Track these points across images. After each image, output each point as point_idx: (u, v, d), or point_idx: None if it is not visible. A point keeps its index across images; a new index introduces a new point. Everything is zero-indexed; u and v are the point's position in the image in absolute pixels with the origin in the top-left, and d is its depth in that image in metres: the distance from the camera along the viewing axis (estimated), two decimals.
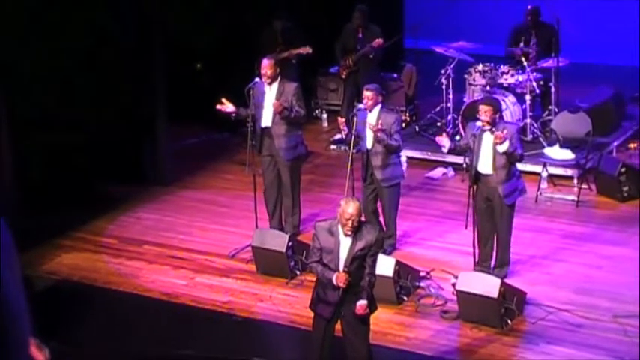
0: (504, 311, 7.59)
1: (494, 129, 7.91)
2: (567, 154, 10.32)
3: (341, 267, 6.33)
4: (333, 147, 11.75)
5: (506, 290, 7.64)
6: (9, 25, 9.21)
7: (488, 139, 7.96)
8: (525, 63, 11.12)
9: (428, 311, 7.94)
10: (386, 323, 7.69)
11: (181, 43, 11.87)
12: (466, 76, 11.35)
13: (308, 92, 11.96)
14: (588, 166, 10.26)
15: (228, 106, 8.98)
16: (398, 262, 8.05)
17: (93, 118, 10.18)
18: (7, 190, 9.23)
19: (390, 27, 12.56)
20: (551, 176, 10.30)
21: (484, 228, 8.25)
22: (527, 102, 10.99)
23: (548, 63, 11.12)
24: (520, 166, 8.68)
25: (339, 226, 6.32)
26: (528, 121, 11.03)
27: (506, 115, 10.54)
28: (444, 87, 11.43)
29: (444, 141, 8.34)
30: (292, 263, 8.52)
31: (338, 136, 11.50)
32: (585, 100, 11.40)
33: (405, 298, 8.08)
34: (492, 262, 8.35)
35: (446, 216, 9.65)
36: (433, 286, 8.29)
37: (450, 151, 8.62)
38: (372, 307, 6.44)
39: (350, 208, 6.23)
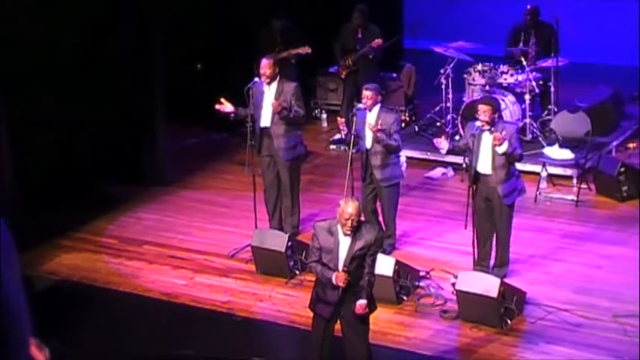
0: (504, 311, 7.60)
1: (493, 128, 7.92)
2: (567, 154, 10.32)
3: (340, 267, 6.34)
4: (332, 147, 11.76)
5: (506, 290, 7.64)
6: (9, 25, 9.21)
7: (487, 138, 7.97)
8: (525, 63, 11.13)
9: (427, 311, 7.94)
10: (385, 323, 7.70)
11: (181, 43, 11.87)
12: (465, 75, 11.35)
13: (307, 92, 11.96)
14: (588, 166, 10.26)
15: (226, 106, 8.98)
16: (397, 262, 8.06)
17: (93, 118, 10.19)
18: (7, 190, 9.24)
19: (390, 27, 12.56)
20: (550, 176, 10.30)
21: (483, 228, 8.25)
22: (527, 102, 10.99)
23: (548, 63, 11.13)
24: (519, 166, 8.69)
25: (339, 226, 6.32)
26: (528, 120, 11.03)
27: (506, 115, 10.55)
28: (443, 87, 11.43)
29: (442, 143, 8.34)
30: (292, 263, 8.52)
31: (337, 136, 11.51)
32: (585, 100, 11.40)
33: (405, 297, 8.09)
34: (491, 262, 8.36)
35: (445, 216, 9.66)
36: (433, 285, 8.29)
37: (449, 152, 8.62)
38: (371, 306, 6.45)
39: (349, 207, 6.24)
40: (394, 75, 12.42)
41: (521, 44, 11.33)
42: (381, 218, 8.86)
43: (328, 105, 12.76)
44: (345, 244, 6.33)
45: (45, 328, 5.05)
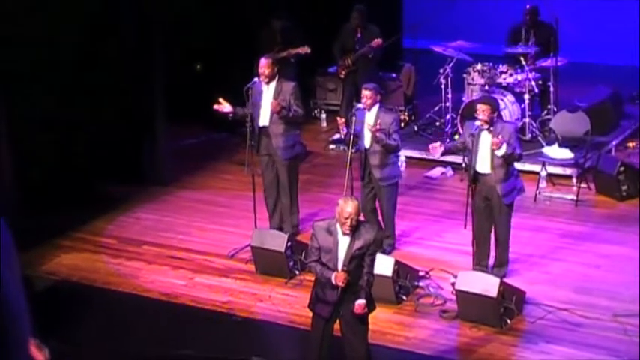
0: (503, 310, 7.60)
1: (492, 128, 7.93)
2: (566, 154, 10.32)
3: (340, 266, 6.34)
4: (331, 147, 11.77)
5: (506, 289, 7.64)
6: (9, 25, 9.21)
7: (486, 138, 7.97)
8: (524, 62, 11.13)
9: (427, 311, 7.94)
10: (385, 323, 7.70)
11: (181, 43, 11.87)
12: (465, 75, 11.36)
13: (307, 92, 11.98)
14: (587, 166, 10.26)
15: (225, 106, 8.99)
16: (397, 262, 8.06)
17: (93, 118, 10.19)
18: (7, 190, 9.24)
19: (389, 26, 12.56)
20: (550, 175, 10.31)
21: (482, 227, 8.25)
22: (526, 101, 11.00)
23: (547, 62, 11.13)
24: (519, 166, 8.70)
25: (338, 226, 6.33)
26: (527, 120, 11.04)
27: (505, 115, 10.55)
28: (442, 86, 11.43)
29: (437, 149, 8.34)
30: (291, 263, 8.52)
31: (337, 136, 11.51)
32: (584, 100, 11.40)
33: (404, 297, 8.09)
34: (491, 262, 8.36)
35: (445, 215, 9.66)
36: (432, 285, 8.30)
37: (446, 153, 8.63)
38: (370, 306, 6.45)
39: (348, 207, 6.24)
40: (393, 75, 12.43)
41: (520, 44, 11.33)
42: (380, 218, 8.86)
43: (327, 105, 12.77)
44: (344, 243, 6.33)
45: (44, 328, 5.07)
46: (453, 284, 7.89)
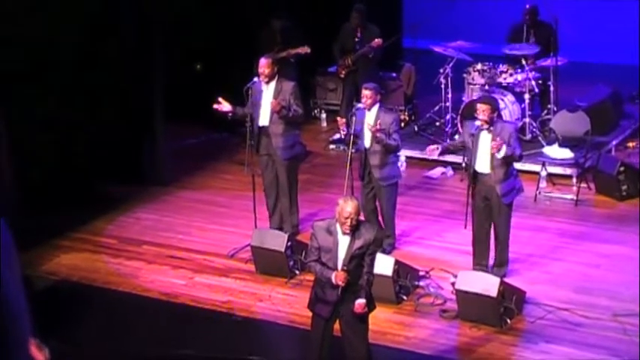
0: (503, 310, 7.60)
1: (492, 128, 7.93)
2: (566, 153, 10.33)
3: (339, 266, 6.34)
4: (331, 146, 11.77)
5: (506, 289, 7.64)
6: (9, 25, 9.21)
7: (485, 138, 7.97)
8: (524, 62, 11.13)
9: (427, 310, 7.94)
10: (385, 322, 7.70)
11: (181, 43, 11.87)
12: (465, 75, 11.36)
13: (307, 92, 11.98)
14: (587, 165, 10.27)
15: (224, 106, 8.99)
16: (397, 262, 8.06)
17: (93, 118, 10.19)
18: (7, 190, 9.24)
19: (389, 26, 12.57)
20: (550, 175, 10.31)
21: (482, 227, 8.26)
22: (526, 101, 11.00)
23: (547, 62, 11.13)
24: (519, 165, 8.70)
25: (338, 225, 6.32)
26: (527, 120, 11.04)
27: (506, 115, 10.56)
28: (442, 86, 11.44)
29: (434, 151, 8.35)
30: (291, 263, 8.52)
31: (337, 136, 11.51)
32: (584, 99, 11.41)
33: (404, 297, 8.09)
34: (491, 261, 8.36)
35: (445, 215, 9.66)
36: (432, 285, 8.30)
37: (444, 152, 8.63)
38: (370, 305, 6.45)
39: (348, 206, 6.24)
40: (393, 74, 12.43)
41: (520, 44, 11.33)
42: (380, 218, 8.86)
43: (328, 105, 12.77)
44: (344, 243, 6.33)
45: (44, 328, 5.07)
46: (453, 284, 7.89)
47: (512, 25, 11.68)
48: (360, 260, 6.35)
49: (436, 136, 11.22)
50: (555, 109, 11.13)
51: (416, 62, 12.41)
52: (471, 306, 7.66)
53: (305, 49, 11.33)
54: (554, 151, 10.38)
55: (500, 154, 7.86)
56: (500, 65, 11.30)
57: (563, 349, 7.33)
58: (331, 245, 6.35)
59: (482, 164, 8.05)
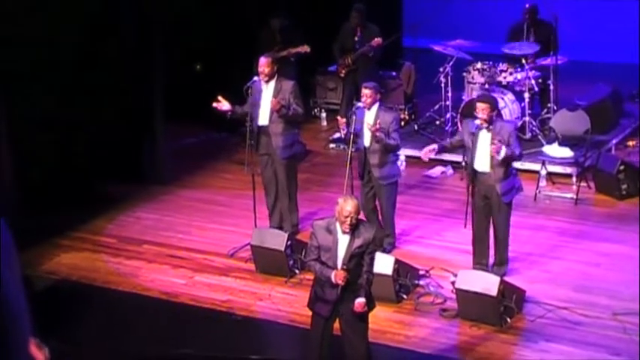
0: (503, 309, 7.60)
1: (491, 126, 7.93)
2: (566, 152, 10.32)
3: (339, 265, 6.35)
4: (331, 146, 11.77)
5: (506, 288, 7.65)
6: (9, 25, 9.22)
7: (485, 137, 7.98)
8: (524, 61, 11.13)
9: (427, 309, 7.94)
10: (385, 322, 7.70)
11: (181, 43, 11.88)
12: (465, 74, 11.36)
13: (307, 91, 11.99)
14: (587, 164, 10.26)
15: (224, 104, 9.00)
16: (397, 261, 8.06)
17: (93, 118, 10.20)
18: (7, 190, 9.24)
19: (389, 25, 12.57)
20: (550, 174, 10.31)
21: (481, 226, 8.26)
22: (526, 100, 11.00)
23: (547, 61, 11.14)
24: (519, 164, 8.71)
25: (337, 224, 6.33)
26: (527, 119, 11.04)
27: (505, 114, 10.56)
28: (442, 85, 11.44)
29: (428, 154, 8.36)
30: (291, 262, 8.53)
31: (337, 135, 11.51)
32: (584, 98, 11.41)
33: (404, 296, 8.09)
34: (490, 260, 8.37)
35: (445, 214, 9.67)
36: (432, 284, 8.30)
37: (442, 150, 8.63)
38: (370, 304, 6.45)
39: (348, 205, 6.25)
40: (393, 73, 12.43)
41: (520, 43, 11.33)
42: (380, 216, 8.87)
43: (328, 104, 12.78)
44: (343, 242, 6.33)
45: (44, 328, 5.07)
46: (453, 283, 7.89)
47: (512, 24, 11.68)
48: (359, 259, 6.35)
49: (436, 135, 11.23)
50: (555, 107, 11.13)
51: (416, 61, 12.41)
52: (470, 305, 7.66)
53: (305, 48, 11.34)
54: (554, 150, 10.37)
55: (501, 156, 7.86)
56: (500, 64, 11.30)
57: (562, 347, 7.33)
58: (331, 244, 6.36)
59: (482, 163, 8.05)
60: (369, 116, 8.56)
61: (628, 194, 9.90)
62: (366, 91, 8.58)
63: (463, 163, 10.17)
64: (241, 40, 11.92)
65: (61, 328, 7.63)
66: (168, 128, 10.91)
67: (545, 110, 11.35)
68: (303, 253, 8.32)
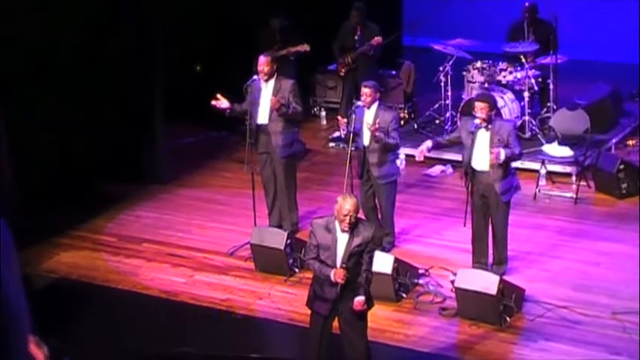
0: (503, 308, 7.61)
1: (490, 125, 7.93)
2: (566, 151, 10.33)
3: (338, 263, 6.35)
4: (331, 144, 11.78)
5: (505, 287, 7.65)
6: (9, 25, 9.22)
7: (484, 135, 7.98)
8: (524, 60, 11.14)
9: (426, 308, 7.95)
10: (384, 320, 7.71)
11: (181, 43, 11.88)
12: (464, 73, 11.36)
13: (306, 90, 11.99)
14: (587, 163, 10.26)
15: (223, 102, 9.00)
16: (396, 260, 8.06)
17: (93, 118, 10.20)
18: (7, 190, 9.25)
19: (389, 24, 12.57)
20: (549, 173, 10.32)
21: (481, 224, 8.26)
22: (526, 99, 11.00)
23: (547, 60, 11.14)
24: (518, 164, 8.71)
25: (336, 223, 6.34)
26: (527, 118, 11.04)
27: (505, 113, 10.56)
28: (442, 84, 11.45)
29: (423, 152, 8.37)
30: (291, 261, 8.53)
31: (336, 134, 11.52)
32: (584, 98, 11.41)
33: (404, 295, 8.10)
34: (490, 259, 8.37)
35: (444, 213, 9.67)
36: (432, 283, 8.31)
37: (436, 147, 8.63)
38: (369, 303, 6.46)
39: (347, 204, 6.25)
40: (393, 72, 12.43)
41: (520, 42, 11.33)
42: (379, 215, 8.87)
43: (327, 103, 12.79)
44: (342, 240, 6.34)
45: (44, 326, 5.06)
46: (452, 282, 7.90)
47: (512, 23, 11.68)
48: (358, 258, 6.36)
49: (435, 134, 11.22)
50: (555, 107, 11.13)
51: (415, 60, 12.41)
52: (470, 304, 7.67)
53: (304, 47, 11.35)
54: (554, 149, 10.38)
55: (501, 160, 7.86)
56: (500, 63, 11.30)
57: (562, 346, 7.33)
58: (330, 243, 6.36)
59: (480, 162, 8.05)
60: (369, 115, 8.57)
61: (628, 193, 9.90)
62: (365, 90, 8.58)
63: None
64: (241, 40, 11.93)
65: (60, 326, 7.63)
66: (167, 127, 10.91)
67: (545, 109, 11.35)
68: (303, 252, 8.33)
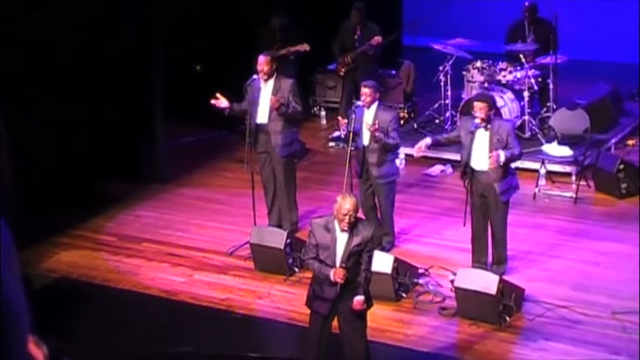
0: (502, 308, 7.61)
1: (489, 125, 7.93)
2: (566, 151, 10.33)
3: (337, 263, 6.35)
4: (331, 144, 11.78)
5: (505, 287, 7.65)
6: (9, 25, 9.23)
7: (483, 135, 7.98)
8: (524, 60, 11.14)
9: (426, 308, 7.95)
10: (384, 320, 7.71)
11: (181, 43, 11.88)
12: (464, 73, 11.36)
13: (306, 90, 11.99)
14: (587, 163, 10.26)
15: (222, 102, 9.01)
16: (396, 259, 8.07)
17: (93, 118, 10.20)
18: (7, 190, 9.25)
19: (389, 24, 12.58)
20: (549, 173, 10.32)
21: (479, 224, 8.26)
22: (526, 99, 11.00)
23: (547, 60, 11.14)
24: (518, 163, 8.70)
25: (336, 222, 6.34)
26: (527, 117, 11.04)
27: (505, 112, 10.56)
28: (442, 84, 11.45)
29: (421, 150, 8.37)
30: (290, 260, 8.53)
31: (336, 134, 11.52)
32: (583, 97, 11.41)
33: (404, 294, 8.10)
34: (489, 259, 8.37)
35: (444, 213, 9.67)
36: (431, 282, 8.31)
37: (435, 145, 8.63)
38: (368, 302, 6.46)
39: (347, 203, 6.25)
40: (393, 72, 12.44)
41: (519, 41, 11.33)
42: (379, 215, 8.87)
43: (327, 102, 12.79)
44: (342, 240, 6.34)
45: (44, 326, 5.06)
46: (452, 281, 7.90)
47: (512, 23, 11.69)
48: (358, 257, 6.36)
49: (435, 134, 11.21)
50: (555, 106, 11.13)
51: (415, 60, 12.42)
52: (470, 303, 7.67)
53: (304, 47, 11.35)
54: (554, 148, 10.38)
55: (501, 162, 7.86)
56: (500, 63, 11.30)
57: (561, 346, 7.33)
58: (329, 242, 6.36)
59: (480, 162, 8.05)
60: (368, 115, 8.57)
61: (627, 193, 9.90)
62: (365, 90, 8.58)
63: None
64: (241, 39, 11.93)
65: (60, 325, 7.64)
66: (167, 127, 10.91)
67: (545, 109, 11.35)
68: (302, 252, 8.32)
